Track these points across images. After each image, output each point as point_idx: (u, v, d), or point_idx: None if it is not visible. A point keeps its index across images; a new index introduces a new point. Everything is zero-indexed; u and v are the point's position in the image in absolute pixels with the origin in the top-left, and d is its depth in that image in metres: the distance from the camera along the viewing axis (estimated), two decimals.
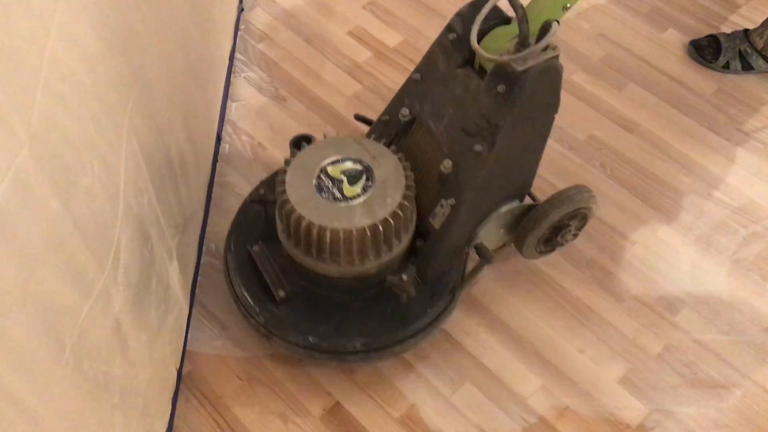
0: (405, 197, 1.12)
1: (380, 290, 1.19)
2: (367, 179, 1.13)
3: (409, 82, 1.24)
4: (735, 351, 1.33)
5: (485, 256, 1.23)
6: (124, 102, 0.89)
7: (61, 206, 0.70)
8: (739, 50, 1.72)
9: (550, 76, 1.08)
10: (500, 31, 1.11)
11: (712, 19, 1.86)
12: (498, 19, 1.11)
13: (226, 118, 1.60)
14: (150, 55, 1.00)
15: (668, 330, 1.35)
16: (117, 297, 0.86)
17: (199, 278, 1.37)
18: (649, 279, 1.41)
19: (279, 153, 1.55)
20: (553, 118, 1.17)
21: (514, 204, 1.26)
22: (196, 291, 1.35)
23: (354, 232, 1.09)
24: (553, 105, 1.14)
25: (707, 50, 1.76)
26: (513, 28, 1.09)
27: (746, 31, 1.73)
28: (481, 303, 1.37)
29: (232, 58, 1.68)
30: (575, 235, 1.34)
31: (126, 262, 0.88)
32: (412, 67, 1.70)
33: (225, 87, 1.61)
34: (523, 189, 1.28)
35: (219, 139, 1.55)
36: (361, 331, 1.18)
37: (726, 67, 1.74)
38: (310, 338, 1.17)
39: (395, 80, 1.70)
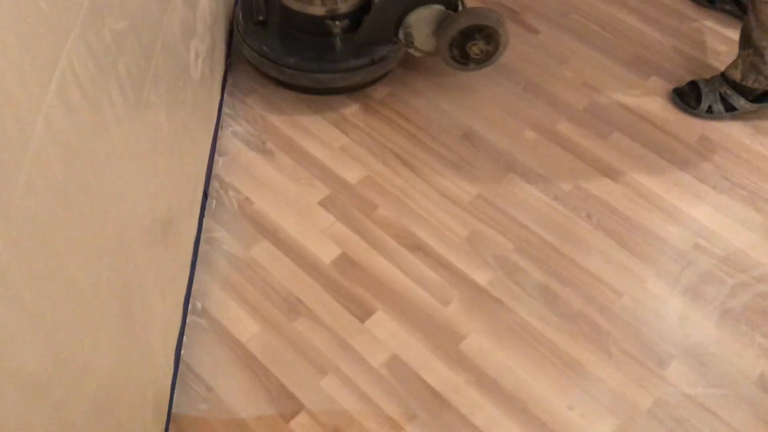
0: None
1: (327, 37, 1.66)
2: None
3: None
4: (725, 405, 1.32)
5: (407, 41, 1.63)
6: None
7: None
8: (720, 93, 1.74)
9: None
10: None
11: (695, 66, 1.89)
12: None
13: (213, 173, 1.61)
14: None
15: (658, 384, 1.34)
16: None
17: (184, 338, 1.36)
18: (638, 332, 1.41)
19: (266, 207, 1.55)
20: None
21: (439, 7, 1.60)
22: (182, 352, 1.34)
23: None
24: None
25: (689, 96, 1.78)
26: None
27: (723, 73, 1.76)
28: (470, 360, 1.36)
29: (219, 112, 1.69)
30: (483, 57, 1.62)
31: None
32: (398, 119, 1.74)
33: (212, 142, 1.62)
34: None
35: (206, 195, 1.55)
36: (296, 52, 1.66)
37: (710, 111, 1.76)
38: (264, 48, 1.65)
39: (381, 132, 1.71)
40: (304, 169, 1.63)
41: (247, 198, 1.57)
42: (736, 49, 1.92)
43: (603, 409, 1.31)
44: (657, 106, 1.80)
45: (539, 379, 1.34)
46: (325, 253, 1.49)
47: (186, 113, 1.28)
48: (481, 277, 1.47)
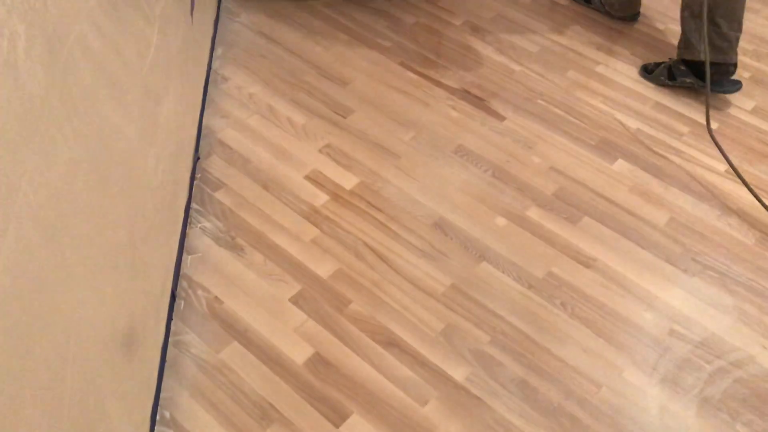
0: None
1: None
2: None
3: None
4: None
5: None
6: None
7: None
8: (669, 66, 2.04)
9: None
10: None
11: (660, 147, 1.93)
12: None
13: (181, 273, 1.58)
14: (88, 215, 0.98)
15: None
16: None
17: None
18: (618, 425, 1.38)
19: (236, 307, 1.52)
20: None
21: None
22: None
23: None
24: None
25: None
26: None
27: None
28: None
29: (188, 209, 1.67)
30: None
31: None
32: (368, 209, 1.73)
33: (180, 240, 1.59)
34: None
35: (174, 296, 1.51)
36: None
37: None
38: None
39: (353, 223, 1.70)
40: (275, 265, 1.61)
41: (216, 297, 1.54)
42: (698, 129, 1.97)
43: None
44: (625, 189, 1.82)
45: None
46: (298, 354, 1.45)
47: (146, 224, 1.25)
48: (458, 373, 1.44)
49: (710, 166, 1.88)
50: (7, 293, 0.73)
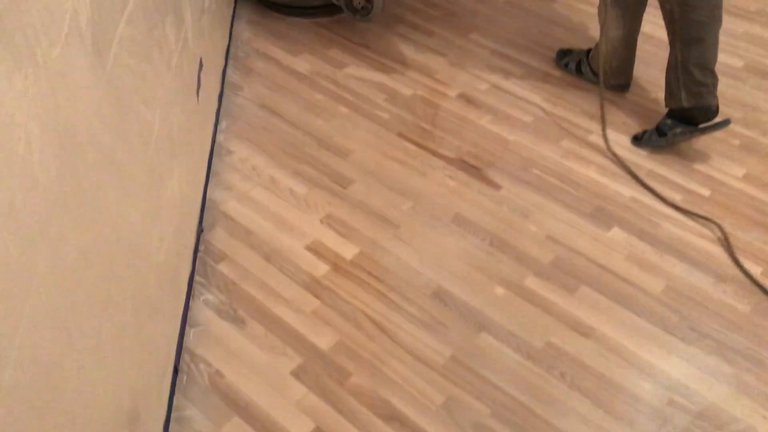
0: None
1: None
2: None
3: None
4: None
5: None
6: None
7: None
8: (579, 60, 2.40)
9: None
10: None
11: (653, 215, 1.97)
12: None
13: (184, 346, 1.59)
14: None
15: None
16: None
17: None
18: None
19: (238, 380, 1.53)
20: None
21: None
22: None
23: None
24: None
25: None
26: None
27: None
28: None
29: (191, 282, 1.70)
30: (362, 11, 2.36)
31: None
32: (369, 279, 1.76)
33: (183, 314, 1.61)
34: None
35: (176, 370, 1.53)
36: None
37: (566, 66, 2.44)
38: None
39: (353, 293, 1.73)
40: (276, 337, 1.63)
41: (218, 371, 1.55)
42: (690, 197, 2.02)
43: None
44: (620, 257, 1.85)
45: None
46: (298, 428, 1.46)
47: (150, 301, 1.28)
48: None
49: (703, 234, 1.92)
50: (18, 379, 0.75)
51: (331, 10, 2.56)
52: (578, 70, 2.41)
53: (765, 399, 1.55)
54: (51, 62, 0.83)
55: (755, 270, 1.83)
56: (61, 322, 0.87)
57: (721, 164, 2.14)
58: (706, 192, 2.04)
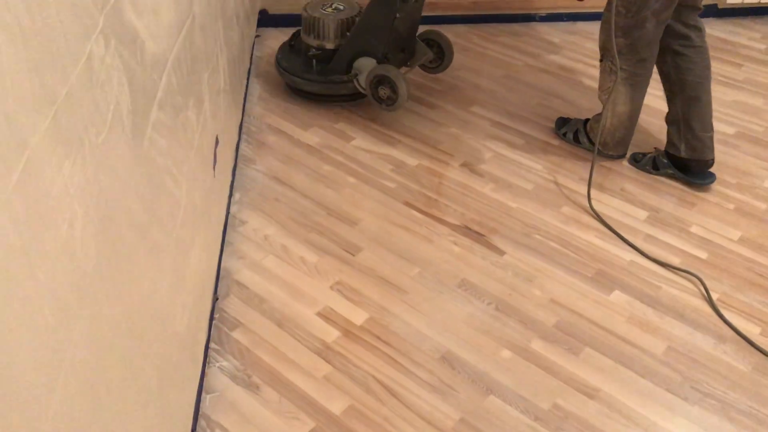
0: (356, 14, 2.59)
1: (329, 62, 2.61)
2: (342, 9, 2.62)
3: None
4: None
5: (353, 77, 2.56)
6: None
7: None
8: (576, 129, 2.52)
9: None
10: None
11: (653, 278, 2.03)
12: None
13: (200, 412, 1.64)
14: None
15: None
16: None
17: None
18: None
19: None
20: (393, 16, 2.41)
21: (373, 60, 2.51)
22: None
23: (335, 21, 2.57)
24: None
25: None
26: None
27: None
28: None
29: (207, 349, 1.76)
30: (388, 101, 2.49)
31: None
32: (379, 344, 1.82)
33: (200, 380, 1.67)
34: (375, 52, 2.51)
35: None
36: (312, 70, 2.64)
37: (564, 135, 2.57)
38: (284, 65, 2.69)
39: (363, 358, 1.78)
40: (290, 402, 1.68)
41: None
42: (688, 260, 2.09)
43: None
44: (622, 319, 1.90)
45: None
46: None
47: (172, 367, 1.34)
48: None
49: (703, 295, 1.98)
50: None
51: (355, 96, 2.67)
52: (576, 139, 2.52)
53: None
54: (96, 148, 0.93)
55: (753, 330, 1.88)
56: (91, 387, 0.93)
57: (716, 227, 2.22)
58: (703, 254, 2.11)
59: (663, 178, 2.38)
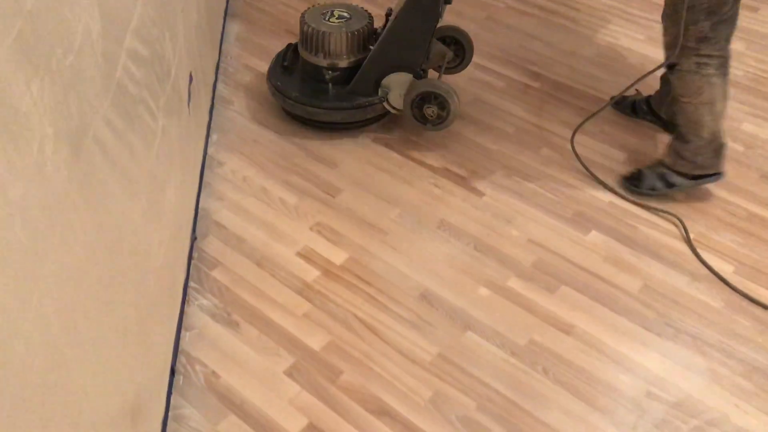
0: (368, 23, 2.17)
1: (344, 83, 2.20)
2: (350, 17, 2.19)
3: None
4: None
5: (383, 97, 2.16)
6: None
7: None
8: (657, 173, 2.08)
9: None
10: None
11: (631, 218, 2.05)
12: None
13: (180, 349, 1.65)
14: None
15: None
16: None
17: None
18: None
19: (233, 380, 1.59)
20: (428, 20, 2.04)
21: (410, 75, 2.12)
22: None
23: (348, 33, 2.14)
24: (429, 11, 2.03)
25: (634, 179, 2.13)
26: None
27: (662, 159, 2.10)
28: None
29: (186, 288, 1.76)
30: (436, 120, 2.13)
31: None
32: (358, 283, 1.82)
33: (179, 318, 1.67)
34: (413, 66, 2.13)
35: (173, 371, 1.58)
36: (329, 96, 2.21)
37: (652, 189, 2.09)
38: (279, 83, 2.23)
39: (343, 297, 1.79)
40: (270, 339, 1.69)
41: (213, 372, 1.61)
42: (666, 202, 2.10)
43: None
44: (599, 258, 1.93)
45: None
46: (292, 424, 1.52)
47: (150, 302, 1.34)
48: None
49: (678, 235, 2.00)
50: (25, 366, 0.81)
51: (380, 117, 2.30)
52: (669, 185, 2.09)
53: (737, 389, 1.63)
54: (65, 70, 0.90)
55: (727, 269, 1.91)
56: (67, 313, 0.93)
57: None
58: (679, 195, 2.13)
59: (644, 122, 2.38)
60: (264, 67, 2.54)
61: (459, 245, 1.95)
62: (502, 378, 1.62)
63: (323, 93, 2.21)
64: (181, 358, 1.63)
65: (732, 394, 1.62)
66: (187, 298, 1.76)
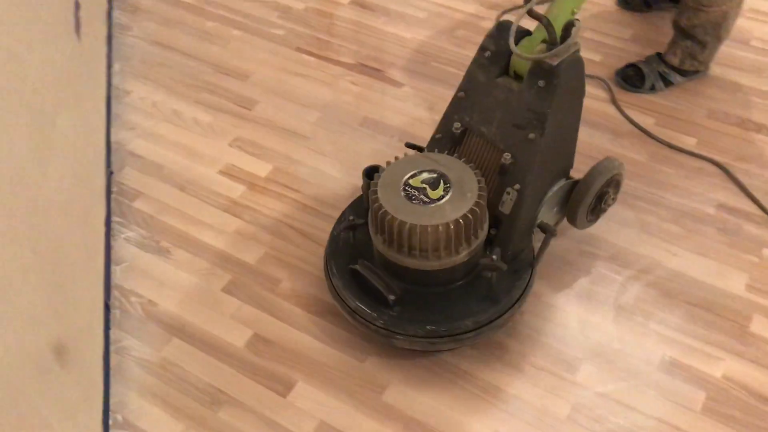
0: (480, 190, 1.33)
1: (468, 279, 1.42)
2: (445, 183, 1.34)
3: (456, 101, 1.49)
4: (636, 395, 1.40)
5: (550, 231, 1.46)
6: None
7: None
8: (659, 72, 1.99)
9: (578, 65, 1.36)
10: (526, 42, 1.38)
11: None
12: (521, 33, 1.38)
13: (112, 283, 1.61)
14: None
15: (572, 389, 1.41)
16: None
17: None
18: (544, 344, 1.48)
19: (171, 306, 1.57)
20: (582, 102, 1.45)
21: (563, 182, 1.50)
22: None
23: (450, 225, 1.28)
24: (581, 90, 1.43)
25: (634, 78, 2.01)
26: (535, 37, 1.36)
27: (659, 54, 2.02)
28: (395, 409, 1.39)
29: (108, 223, 1.70)
30: (614, 200, 1.60)
31: None
32: (287, 193, 1.79)
33: (105, 253, 1.62)
34: (567, 167, 1.54)
35: (108, 307, 1.55)
36: (467, 312, 1.38)
37: (653, 89, 1.99)
38: (428, 327, 1.36)
39: (273, 207, 1.76)
40: (203, 260, 1.66)
41: (150, 301, 1.58)
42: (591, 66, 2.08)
43: (526, 425, 1.37)
44: None
45: (463, 411, 1.39)
46: (237, 337, 1.51)
47: (58, 240, 1.29)
48: None
49: (597, 96, 2.00)
50: None
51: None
52: (667, 83, 2.03)
53: (666, 234, 1.67)
54: None
55: (648, 121, 1.93)
56: None
57: (610, 29, 2.21)
58: (597, 57, 2.12)
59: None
60: None
61: (384, 139, 1.92)
62: None
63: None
64: (115, 293, 1.60)
65: (662, 240, 1.66)
66: (111, 232, 1.71)
